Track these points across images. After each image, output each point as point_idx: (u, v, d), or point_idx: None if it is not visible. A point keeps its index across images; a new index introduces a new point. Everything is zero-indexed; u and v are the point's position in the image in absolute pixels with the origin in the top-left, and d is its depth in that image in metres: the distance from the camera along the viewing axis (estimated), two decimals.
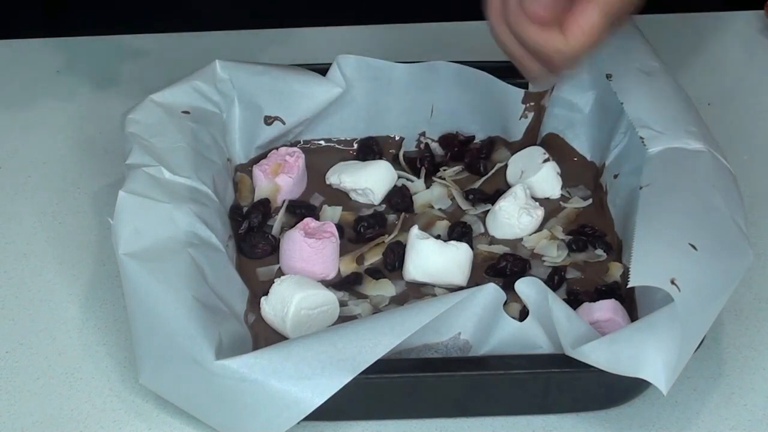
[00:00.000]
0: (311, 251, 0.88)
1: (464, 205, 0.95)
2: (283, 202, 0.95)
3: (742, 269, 0.81)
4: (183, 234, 0.84)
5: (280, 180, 0.95)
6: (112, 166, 0.99)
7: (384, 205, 0.96)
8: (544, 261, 0.91)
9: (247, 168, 0.98)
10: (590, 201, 0.96)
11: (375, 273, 0.90)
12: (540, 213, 0.94)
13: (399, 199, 0.95)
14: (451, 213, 0.95)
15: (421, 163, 0.98)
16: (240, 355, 0.76)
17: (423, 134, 1.00)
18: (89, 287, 0.91)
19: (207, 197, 0.88)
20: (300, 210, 0.94)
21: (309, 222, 0.90)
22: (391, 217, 0.95)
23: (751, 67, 1.13)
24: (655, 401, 0.83)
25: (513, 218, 0.93)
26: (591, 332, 0.79)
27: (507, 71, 0.98)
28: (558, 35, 0.82)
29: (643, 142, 0.88)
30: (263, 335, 0.85)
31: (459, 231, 0.92)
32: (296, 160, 0.96)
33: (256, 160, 0.98)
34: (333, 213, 0.95)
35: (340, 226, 0.92)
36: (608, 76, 0.94)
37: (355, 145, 1.00)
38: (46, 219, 0.97)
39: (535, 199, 0.95)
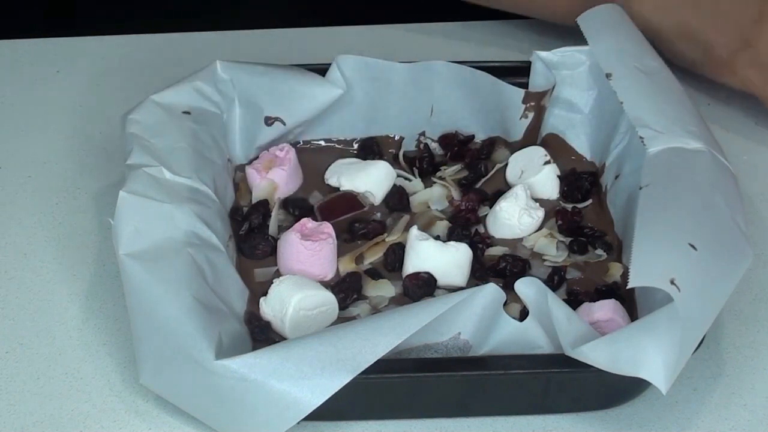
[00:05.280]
0: (308, 253, 0.88)
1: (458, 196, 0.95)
2: (278, 199, 0.94)
3: (742, 269, 0.81)
4: (183, 234, 0.84)
5: (274, 174, 0.94)
6: (113, 166, 0.99)
7: (383, 206, 0.96)
8: (544, 261, 0.91)
9: None
10: (590, 201, 0.96)
11: (374, 273, 0.90)
12: (540, 214, 0.93)
13: (396, 199, 0.95)
14: (451, 213, 0.95)
15: (419, 162, 0.98)
16: (240, 355, 0.76)
17: (423, 134, 1.00)
18: (89, 287, 0.91)
19: (207, 197, 0.88)
20: (297, 211, 0.94)
21: (306, 223, 0.90)
22: (391, 218, 0.94)
23: None
24: (655, 401, 0.83)
25: (513, 219, 0.92)
26: (591, 332, 0.79)
27: (507, 71, 0.98)
28: None
29: (642, 141, 0.88)
30: None
31: (459, 233, 0.92)
32: (286, 153, 0.95)
33: None
34: None
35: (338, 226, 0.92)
36: (608, 76, 0.94)
37: (355, 145, 1.00)
38: (46, 219, 0.97)
39: (534, 200, 0.95)
